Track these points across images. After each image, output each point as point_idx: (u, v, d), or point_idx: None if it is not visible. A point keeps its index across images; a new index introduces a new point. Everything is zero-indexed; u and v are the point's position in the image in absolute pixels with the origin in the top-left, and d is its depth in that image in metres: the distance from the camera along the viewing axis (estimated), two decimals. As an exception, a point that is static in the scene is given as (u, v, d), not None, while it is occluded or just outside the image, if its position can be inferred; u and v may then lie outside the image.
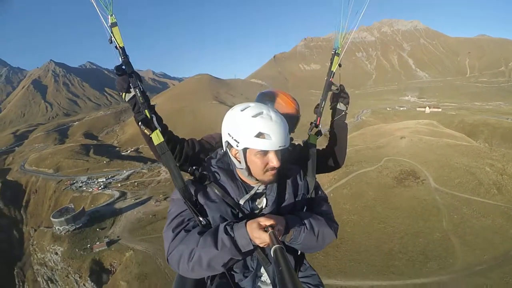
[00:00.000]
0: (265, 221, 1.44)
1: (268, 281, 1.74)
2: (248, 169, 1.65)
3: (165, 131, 1.94)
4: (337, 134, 2.41)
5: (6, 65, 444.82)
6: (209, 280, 1.75)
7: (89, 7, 1.72)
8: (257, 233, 1.42)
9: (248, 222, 1.49)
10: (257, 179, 1.69)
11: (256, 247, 1.49)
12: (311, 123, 2.26)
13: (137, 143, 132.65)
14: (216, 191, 1.68)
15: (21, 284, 62.38)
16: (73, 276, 44.20)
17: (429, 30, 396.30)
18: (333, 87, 2.34)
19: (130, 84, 1.82)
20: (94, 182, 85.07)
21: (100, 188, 77.09)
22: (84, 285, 42.53)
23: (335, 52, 2.27)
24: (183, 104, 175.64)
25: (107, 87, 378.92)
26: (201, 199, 1.66)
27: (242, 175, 1.73)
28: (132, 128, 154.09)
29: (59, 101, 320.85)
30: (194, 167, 1.77)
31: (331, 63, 2.29)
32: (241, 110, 1.63)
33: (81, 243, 48.17)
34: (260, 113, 1.59)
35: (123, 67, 1.81)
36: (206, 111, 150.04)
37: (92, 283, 41.59)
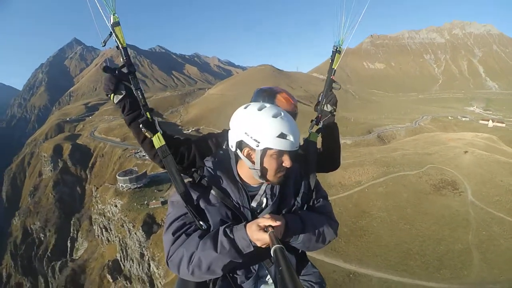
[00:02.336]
0: (265, 222, 1.46)
1: (270, 281, 1.74)
2: (261, 170, 1.64)
3: (164, 133, 1.95)
4: (327, 135, 2.46)
5: (81, 44, 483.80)
6: (211, 283, 1.73)
7: (92, 6, 1.66)
8: (257, 234, 1.43)
9: (248, 224, 1.51)
10: (267, 180, 1.70)
11: (257, 248, 1.49)
12: (312, 120, 2.38)
13: (198, 124, 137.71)
14: (216, 194, 1.69)
15: (75, 232, 70.65)
16: (127, 225, 50.20)
17: (503, 37, 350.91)
18: (335, 85, 2.42)
19: (132, 86, 1.84)
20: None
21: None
22: (135, 233, 48.33)
23: (336, 49, 2.31)
24: (243, 91, 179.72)
25: (175, 71, 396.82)
26: (201, 203, 1.68)
27: (251, 173, 1.71)
28: (195, 109, 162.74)
29: None
30: (193, 170, 1.79)
31: (332, 60, 2.35)
32: (259, 110, 1.62)
33: (140, 199, 54.40)
34: (279, 114, 1.61)
35: (124, 69, 1.83)
36: None
37: (143, 233, 47.27)
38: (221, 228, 1.55)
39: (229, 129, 1.71)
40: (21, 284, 71.00)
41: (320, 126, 2.35)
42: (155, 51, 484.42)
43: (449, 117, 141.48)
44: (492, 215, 31.63)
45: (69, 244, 68.92)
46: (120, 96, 1.82)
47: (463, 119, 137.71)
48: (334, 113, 2.43)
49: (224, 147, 1.92)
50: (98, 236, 59.59)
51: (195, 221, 1.65)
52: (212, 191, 1.69)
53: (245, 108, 1.68)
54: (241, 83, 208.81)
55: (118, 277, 48.53)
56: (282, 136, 1.55)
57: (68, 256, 65.04)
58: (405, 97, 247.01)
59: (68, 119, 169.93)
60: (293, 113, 2.26)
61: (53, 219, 77.91)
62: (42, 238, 75.48)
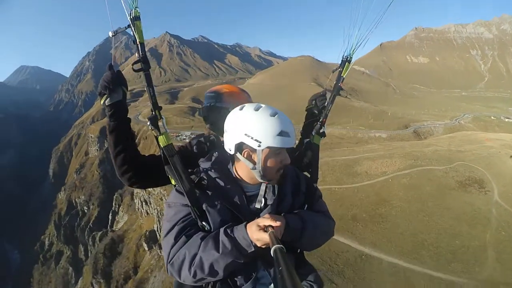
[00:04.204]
0: (265, 222, 1.46)
1: (269, 283, 1.70)
2: (263, 169, 1.67)
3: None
4: (308, 154, 2.36)
5: (126, 34, 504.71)
6: (209, 286, 1.69)
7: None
8: (257, 234, 1.43)
9: (248, 224, 1.52)
10: (268, 179, 1.73)
11: (257, 248, 1.48)
12: (315, 123, 2.40)
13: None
14: (215, 195, 1.69)
15: (117, 206, 74.54)
16: (166, 198, 53.42)
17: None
18: (342, 92, 2.46)
19: (146, 84, 1.89)
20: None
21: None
22: (174, 207, 51.82)
23: (346, 59, 2.36)
24: (283, 82, 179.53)
25: (216, 60, 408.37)
26: (201, 204, 1.67)
27: (250, 173, 1.74)
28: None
29: (172, 68, 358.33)
30: (190, 171, 1.78)
31: (342, 69, 2.39)
32: (256, 110, 1.64)
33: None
34: (277, 113, 1.63)
35: (140, 64, 1.84)
36: (303, 92, 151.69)
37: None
38: (222, 229, 1.56)
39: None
40: (62, 252, 78.53)
41: (323, 130, 2.38)
42: (197, 41, 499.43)
43: (492, 117, 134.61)
44: (516, 218, 31.00)
45: (110, 217, 74.08)
46: (115, 100, 1.82)
47: (507, 120, 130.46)
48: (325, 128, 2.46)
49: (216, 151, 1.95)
50: (138, 209, 63.29)
51: (195, 223, 1.67)
52: (211, 192, 1.71)
53: (241, 109, 1.71)
54: (280, 73, 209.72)
55: (154, 246, 51.13)
56: (281, 134, 1.59)
57: (108, 227, 70.09)
58: (447, 94, 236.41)
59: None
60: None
61: (97, 194, 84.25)
62: (86, 210, 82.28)
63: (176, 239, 1.60)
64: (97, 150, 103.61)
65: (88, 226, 74.69)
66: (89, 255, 63.39)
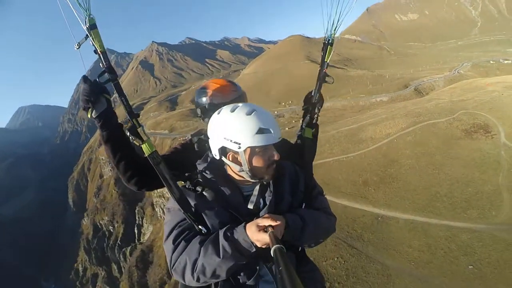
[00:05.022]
0: (265, 222, 1.45)
1: (271, 280, 1.69)
2: (251, 170, 1.65)
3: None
4: (305, 143, 2.28)
5: (113, 52, 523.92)
6: (213, 284, 1.69)
7: (65, 8, 1.53)
8: (257, 234, 1.41)
9: (248, 225, 1.49)
10: (259, 178, 1.71)
11: (258, 248, 1.47)
12: (303, 116, 2.33)
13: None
14: (212, 196, 1.67)
15: (141, 219, 75.75)
16: None
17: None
18: (328, 79, 2.30)
19: (117, 94, 1.80)
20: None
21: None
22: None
23: (328, 42, 2.22)
24: (277, 66, 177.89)
25: (207, 58, 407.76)
26: (198, 207, 1.67)
27: (243, 177, 1.72)
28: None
29: (166, 76, 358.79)
30: (187, 174, 1.77)
31: (324, 54, 2.25)
32: (232, 111, 1.62)
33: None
34: (254, 110, 1.61)
35: (106, 74, 1.73)
36: (300, 71, 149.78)
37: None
38: (221, 232, 1.54)
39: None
40: (96, 274, 79.78)
41: (315, 121, 2.30)
42: (185, 43, 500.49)
43: (491, 61, 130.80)
44: (526, 156, 30.82)
45: (136, 231, 75.53)
46: (101, 110, 1.78)
47: (506, 62, 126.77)
48: (319, 113, 2.37)
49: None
50: (161, 216, 63.85)
51: (193, 227, 1.66)
52: (208, 194, 1.68)
53: (218, 113, 1.70)
54: (273, 58, 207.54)
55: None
56: (260, 131, 1.56)
57: (136, 241, 71.59)
58: (443, 46, 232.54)
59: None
60: (237, 99, 2.24)
61: (119, 211, 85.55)
62: (111, 230, 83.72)
63: (175, 243, 1.62)
64: (110, 170, 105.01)
65: (117, 244, 76.32)
66: (123, 271, 65.11)
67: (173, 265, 1.57)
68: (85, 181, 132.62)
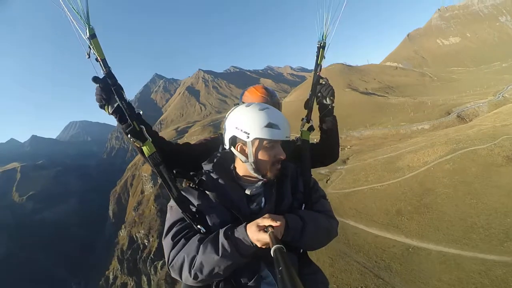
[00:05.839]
0: (265, 222, 1.45)
1: (273, 281, 1.69)
2: (255, 162, 1.69)
3: (154, 138, 1.91)
4: (327, 128, 2.47)
5: (162, 78, 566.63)
6: (213, 285, 1.66)
7: (64, 20, 1.64)
8: (257, 234, 1.41)
9: (248, 225, 1.50)
10: (263, 174, 1.74)
11: (258, 248, 1.47)
12: (302, 118, 2.34)
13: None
14: (214, 196, 1.70)
15: None
16: None
17: None
18: (322, 81, 2.42)
19: (116, 97, 1.77)
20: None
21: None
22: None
23: (320, 44, 2.29)
24: None
25: (251, 86, 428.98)
26: (200, 206, 1.69)
27: (248, 170, 1.75)
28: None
29: (211, 102, 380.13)
30: (191, 173, 1.83)
31: (317, 57, 2.33)
32: (247, 106, 1.71)
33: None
34: (267, 107, 1.70)
35: (107, 79, 1.77)
36: (340, 98, 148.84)
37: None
38: (222, 230, 1.55)
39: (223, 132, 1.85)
40: (126, 284, 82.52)
41: (311, 124, 2.33)
42: (230, 72, 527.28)
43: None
44: None
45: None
46: (115, 105, 1.80)
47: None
48: (333, 105, 2.47)
49: (220, 150, 2.00)
50: None
51: (193, 226, 1.67)
52: (211, 194, 1.71)
53: (235, 108, 1.81)
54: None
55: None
56: (270, 125, 1.62)
57: None
58: (487, 69, 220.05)
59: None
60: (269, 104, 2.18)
61: (155, 226, 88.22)
62: (146, 243, 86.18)
63: (174, 240, 1.63)
64: (152, 187, 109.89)
65: (150, 257, 78.38)
66: (152, 283, 66.68)
67: (171, 262, 1.59)
68: (126, 195, 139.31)
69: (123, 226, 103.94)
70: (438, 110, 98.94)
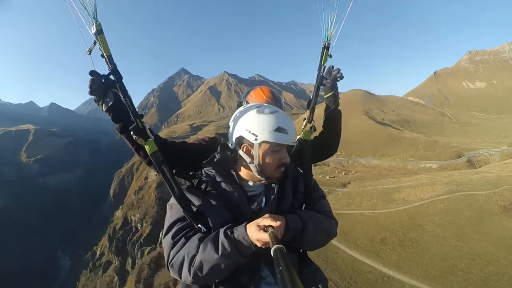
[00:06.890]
0: (265, 222, 1.44)
1: (273, 281, 1.68)
2: (261, 165, 1.67)
3: (156, 137, 1.89)
4: (332, 121, 2.55)
5: (187, 73, 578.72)
6: (213, 285, 1.66)
7: (70, 15, 1.62)
8: (257, 234, 1.40)
9: (248, 224, 1.49)
10: (266, 176, 1.72)
11: (257, 248, 1.46)
12: (304, 119, 2.28)
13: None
14: (215, 195, 1.69)
15: None
16: None
17: None
18: (326, 82, 2.47)
19: (120, 94, 1.77)
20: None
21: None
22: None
23: (325, 45, 2.22)
24: None
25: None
26: (200, 206, 1.67)
27: (250, 171, 1.74)
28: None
29: (230, 105, 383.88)
30: (191, 173, 1.80)
31: (321, 57, 2.26)
32: (257, 107, 1.69)
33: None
34: (277, 111, 1.68)
35: (111, 76, 1.74)
36: (355, 124, 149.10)
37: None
38: (222, 230, 1.53)
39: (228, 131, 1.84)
40: (110, 262, 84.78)
41: (312, 124, 2.27)
42: (254, 79, 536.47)
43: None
44: None
45: (161, 235, 78.23)
46: (110, 103, 1.79)
47: None
48: (337, 93, 2.55)
49: (219, 150, 1.94)
50: None
51: (194, 225, 1.65)
52: (211, 193, 1.71)
53: (244, 107, 1.80)
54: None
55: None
56: (279, 130, 1.61)
57: (158, 244, 73.38)
58: (508, 119, 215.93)
59: (174, 136, 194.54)
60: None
61: (151, 213, 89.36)
62: (139, 227, 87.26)
63: (175, 239, 1.62)
64: (156, 175, 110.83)
65: (139, 242, 79.43)
66: (135, 266, 67.31)
67: (171, 261, 1.58)
68: (130, 178, 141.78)
69: (120, 207, 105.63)
70: (449, 152, 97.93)
